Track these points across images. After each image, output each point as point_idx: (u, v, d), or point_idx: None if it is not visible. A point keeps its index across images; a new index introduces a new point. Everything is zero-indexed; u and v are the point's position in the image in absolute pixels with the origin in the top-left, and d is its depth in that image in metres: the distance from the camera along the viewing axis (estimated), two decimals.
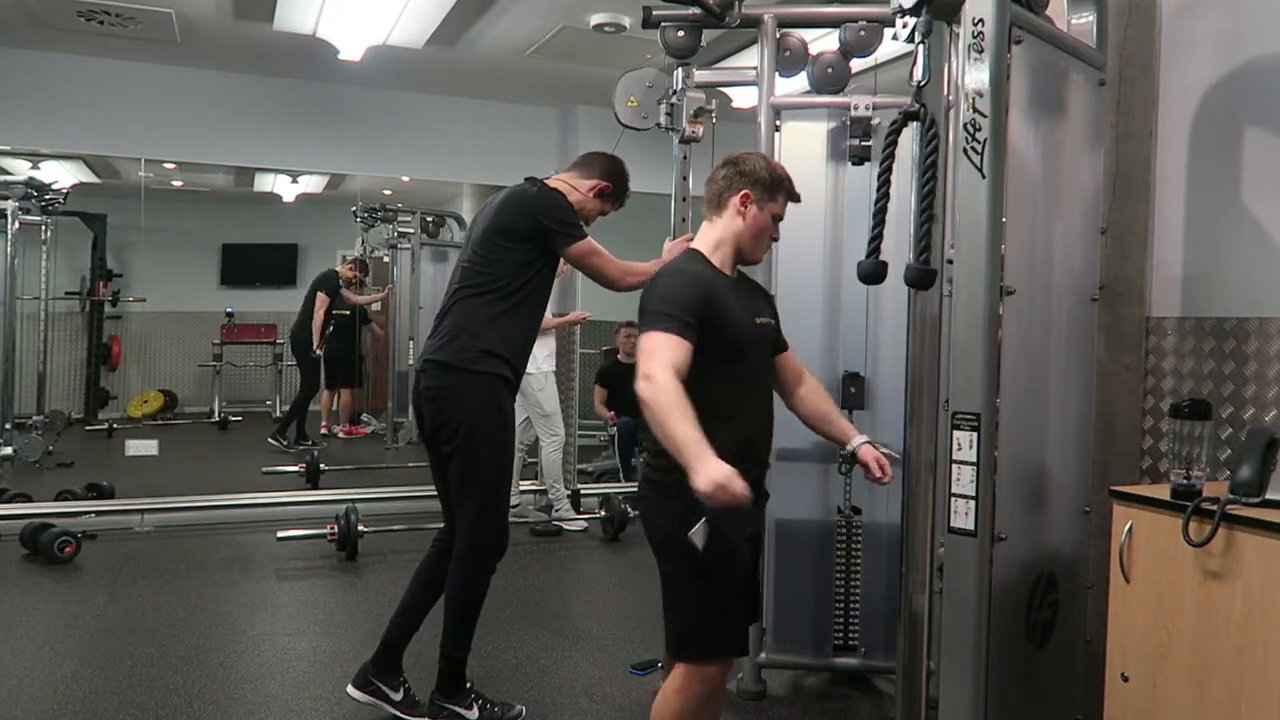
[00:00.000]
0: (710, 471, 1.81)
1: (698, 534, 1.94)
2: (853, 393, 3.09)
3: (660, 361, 1.93)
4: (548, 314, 5.10)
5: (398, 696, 2.85)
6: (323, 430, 6.96)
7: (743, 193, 2.16)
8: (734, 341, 2.09)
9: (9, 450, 5.83)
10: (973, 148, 1.84)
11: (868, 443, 2.23)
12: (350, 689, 2.89)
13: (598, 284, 2.84)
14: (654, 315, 2.00)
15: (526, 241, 2.73)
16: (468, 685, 2.85)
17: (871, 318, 3.10)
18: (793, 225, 3.02)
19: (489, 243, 2.76)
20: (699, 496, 1.83)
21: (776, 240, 2.30)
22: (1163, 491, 2.10)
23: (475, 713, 2.83)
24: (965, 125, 1.85)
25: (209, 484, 5.69)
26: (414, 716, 2.83)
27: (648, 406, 1.91)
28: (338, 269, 6.90)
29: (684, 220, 3.13)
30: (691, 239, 2.32)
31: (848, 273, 3.09)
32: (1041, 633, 2.17)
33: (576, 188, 2.88)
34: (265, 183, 6.82)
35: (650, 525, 2.15)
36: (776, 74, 3.03)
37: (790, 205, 2.26)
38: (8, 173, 6.03)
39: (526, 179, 2.85)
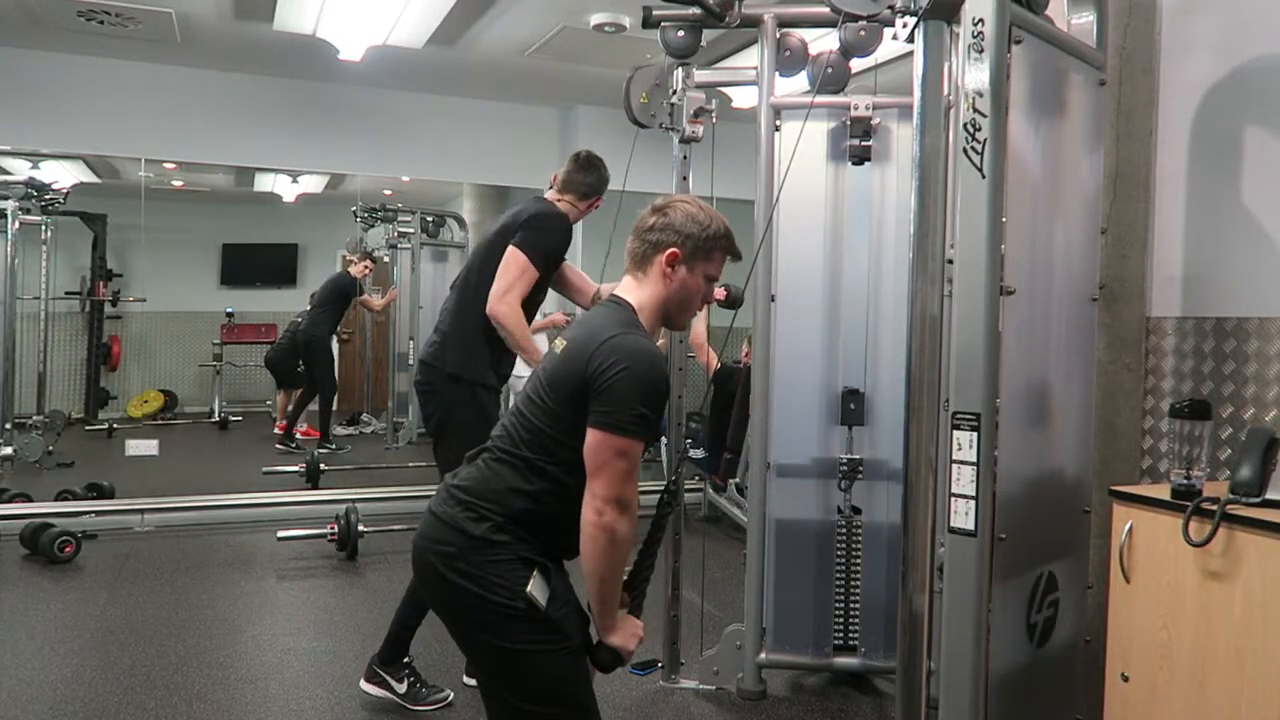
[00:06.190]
0: (636, 629, 1.77)
1: (536, 586, 1.68)
2: (851, 409, 3.07)
3: (635, 486, 1.64)
4: (538, 317, 5.12)
5: None
6: (278, 430, 6.88)
7: (669, 251, 1.78)
8: None
9: (9, 450, 5.83)
10: (973, 148, 1.83)
11: None
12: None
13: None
14: (636, 417, 1.63)
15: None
16: (406, 659, 2.93)
17: (871, 330, 3.09)
18: (794, 225, 3.06)
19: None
20: (619, 650, 1.75)
21: (710, 303, 1.98)
22: (1163, 491, 2.10)
23: (404, 687, 2.93)
24: (965, 125, 1.84)
25: (209, 484, 5.69)
26: None
27: (615, 544, 1.64)
28: (351, 271, 6.67)
29: None
30: (608, 291, 1.91)
31: (847, 273, 3.10)
32: (1041, 633, 2.17)
33: (576, 205, 3.12)
34: (265, 183, 6.81)
35: (466, 595, 1.69)
36: (776, 74, 3.04)
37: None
38: (8, 173, 6.02)
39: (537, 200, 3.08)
